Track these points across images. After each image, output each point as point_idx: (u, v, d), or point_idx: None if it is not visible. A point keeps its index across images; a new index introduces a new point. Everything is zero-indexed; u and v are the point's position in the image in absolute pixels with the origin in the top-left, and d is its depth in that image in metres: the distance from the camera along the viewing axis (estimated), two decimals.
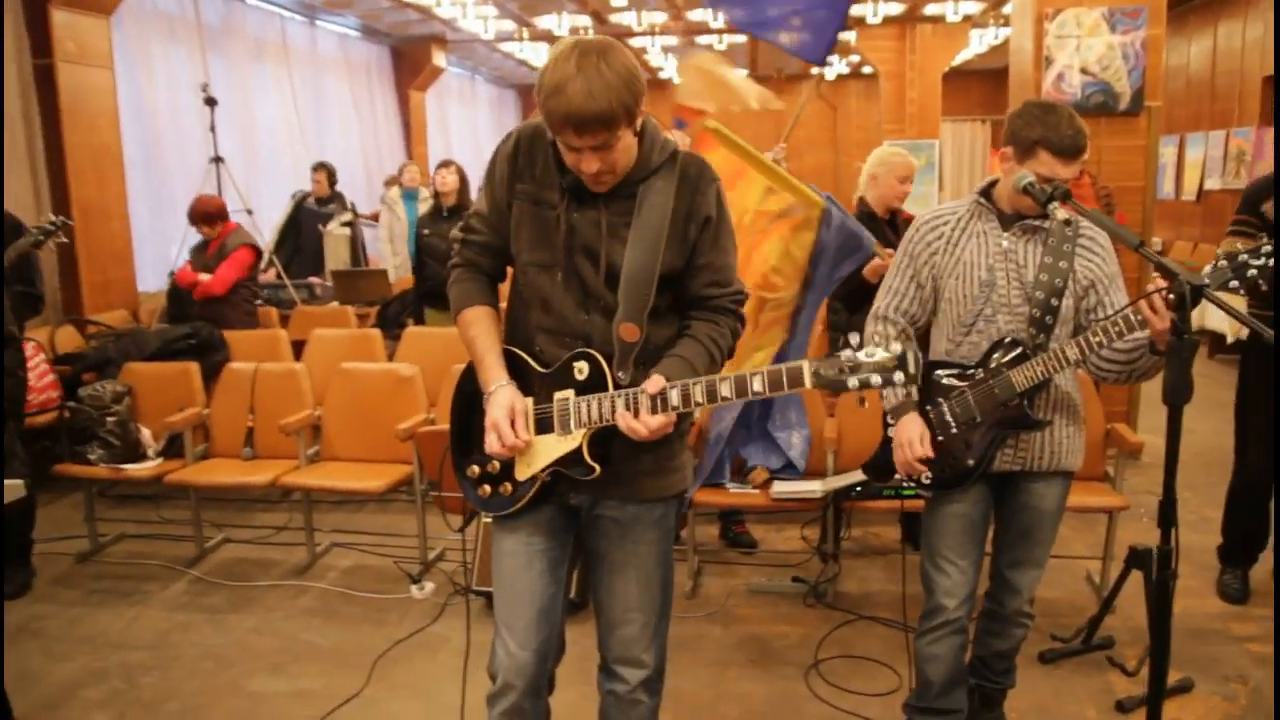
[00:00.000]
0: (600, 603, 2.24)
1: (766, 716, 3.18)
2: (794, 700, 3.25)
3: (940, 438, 2.63)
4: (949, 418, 2.60)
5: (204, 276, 5.59)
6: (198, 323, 5.40)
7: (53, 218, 4.18)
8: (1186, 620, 3.65)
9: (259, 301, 6.50)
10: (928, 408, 2.63)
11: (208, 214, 5.67)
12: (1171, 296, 1.99)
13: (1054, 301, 2.50)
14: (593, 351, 2.02)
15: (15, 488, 2.54)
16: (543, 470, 2.06)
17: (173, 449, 4.63)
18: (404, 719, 3.20)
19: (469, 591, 3.90)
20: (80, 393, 4.67)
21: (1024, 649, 2.89)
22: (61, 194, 6.15)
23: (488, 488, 2.15)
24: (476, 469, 2.16)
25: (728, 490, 3.94)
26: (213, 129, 7.29)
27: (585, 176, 1.92)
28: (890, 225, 4.16)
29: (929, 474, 2.64)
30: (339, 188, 8.42)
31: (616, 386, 1.99)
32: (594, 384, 2.01)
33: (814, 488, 3.78)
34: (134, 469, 4.45)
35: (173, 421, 4.48)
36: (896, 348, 1.80)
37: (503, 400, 2.03)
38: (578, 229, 2.01)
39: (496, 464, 2.12)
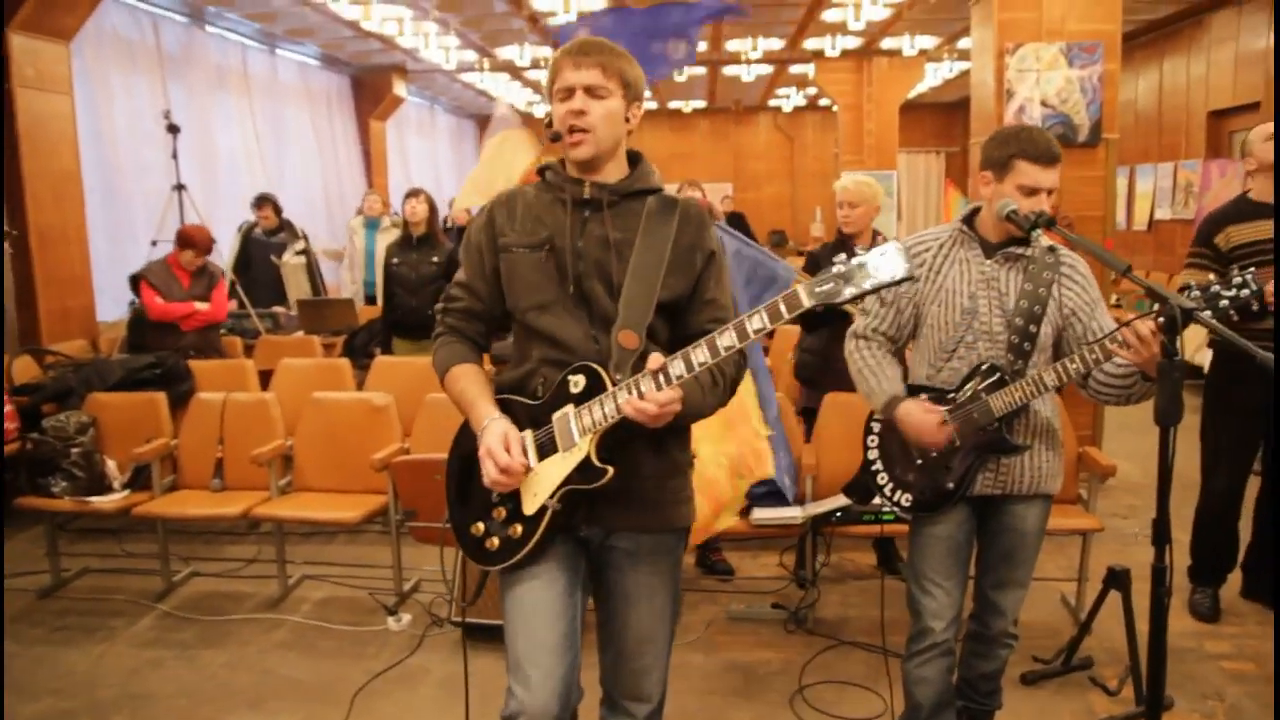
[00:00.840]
0: (611, 635, 2.20)
1: None
2: None
3: (920, 461, 2.67)
4: None
5: (201, 305, 5.57)
6: (163, 352, 5.31)
7: None
8: None
9: (222, 330, 6.42)
10: None
11: (209, 245, 5.79)
12: (1161, 320, 2.04)
13: (1032, 328, 2.55)
14: (587, 363, 2.00)
15: None
16: (551, 496, 2.00)
17: (138, 481, 4.53)
18: None
19: (446, 621, 3.85)
20: (44, 424, 4.55)
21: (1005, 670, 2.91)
22: (19, 220, 6.02)
23: (495, 540, 2.07)
24: (482, 526, 2.10)
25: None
26: (175, 156, 7.20)
27: (570, 128, 2.01)
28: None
29: (909, 497, 2.69)
30: (292, 216, 8.35)
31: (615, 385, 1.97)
32: (591, 392, 1.98)
33: (794, 514, 3.79)
34: (100, 501, 4.35)
35: (141, 453, 4.38)
36: (884, 247, 1.82)
37: (495, 430, 2.00)
38: (583, 253, 2.04)
39: (503, 510, 2.07)
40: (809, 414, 4.35)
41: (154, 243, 7.03)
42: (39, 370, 5.66)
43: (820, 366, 4.23)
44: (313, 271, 8.05)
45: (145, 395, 4.81)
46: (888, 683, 3.20)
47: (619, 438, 1.99)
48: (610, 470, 1.97)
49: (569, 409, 2.00)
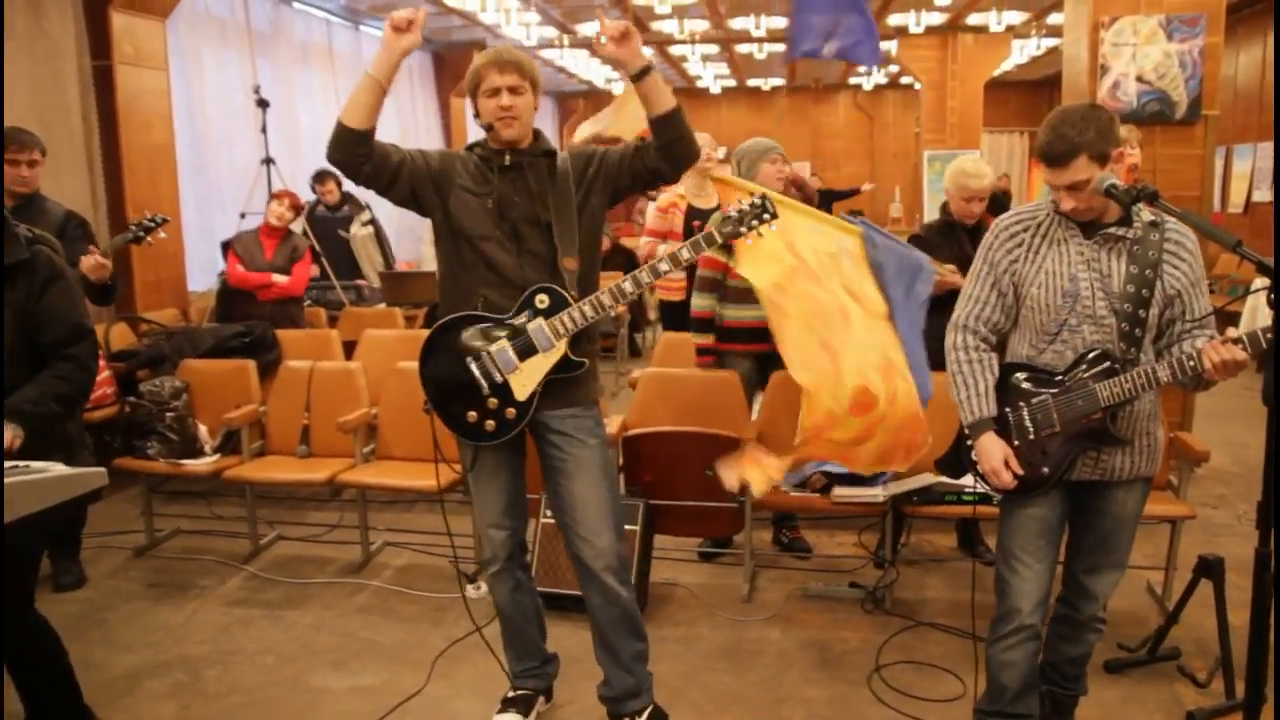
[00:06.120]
0: (558, 505, 2.87)
1: None
2: (858, 705, 3.23)
3: (1016, 442, 2.61)
4: (1028, 423, 2.58)
5: (279, 278, 5.69)
6: (251, 321, 5.45)
7: (151, 215, 4.27)
8: None
9: (307, 302, 6.56)
10: (1007, 410, 2.61)
11: (300, 205, 6.08)
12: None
13: (1141, 313, 2.46)
14: (549, 285, 2.70)
15: (98, 475, 2.54)
16: (538, 384, 2.69)
17: (228, 445, 4.67)
18: (466, 717, 3.21)
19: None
20: (140, 388, 4.71)
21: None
22: (116, 193, 6.23)
23: (492, 423, 2.72)
24: (475, 414, 2.71)
25: (787, 493, 3.91)
26: (264, 130, 7.35)
27: (499, 116, 2.67)
28: (971, 233, 4.09)
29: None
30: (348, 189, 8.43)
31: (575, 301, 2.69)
32: (556, 307, 2.69)
33: (875, 492, 3.75)
34: (193, 464, 4.49)
35: (231, 418, 4.51)
36: (758, 199, 2.76)
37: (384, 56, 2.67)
38: (514, 203, 2.72)
39: (494, 400, 2.69)
40: None
41: (243, 215, 7.19)
42: (134, 338, 5.86)
43: (942, 351, 4.12)
44: (382, 241, 8.13)
45: (236, 362, 4.94)
46: (968, 665, 3.15)
47: (580, 335, 2.72)
48: (586, 362, 2.75)
49: (540, 321, 2.68)
